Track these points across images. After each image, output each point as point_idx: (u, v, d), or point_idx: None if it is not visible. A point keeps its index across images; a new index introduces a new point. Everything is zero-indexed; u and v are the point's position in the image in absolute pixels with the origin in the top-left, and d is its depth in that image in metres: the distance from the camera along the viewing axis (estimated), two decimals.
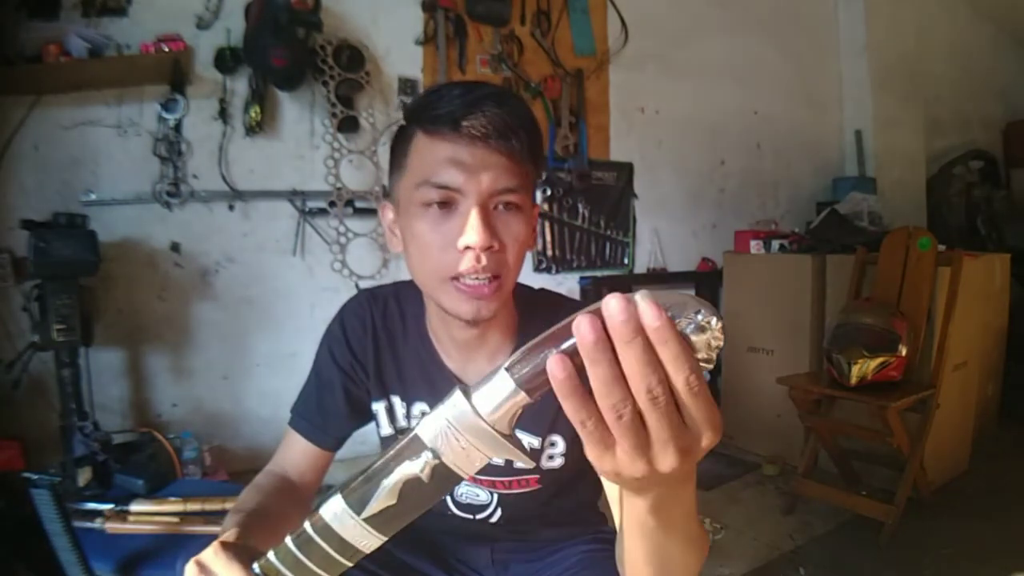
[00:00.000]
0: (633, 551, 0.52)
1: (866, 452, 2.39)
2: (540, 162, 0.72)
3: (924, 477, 2.21)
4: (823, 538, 2.12)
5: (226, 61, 2.24)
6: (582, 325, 0.34)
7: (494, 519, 0.85)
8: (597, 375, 0.34)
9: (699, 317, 0.35)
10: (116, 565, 1.18)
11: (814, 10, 3.88)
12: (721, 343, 0.35)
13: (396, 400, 0.84)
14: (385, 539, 0.44)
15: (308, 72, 2.34)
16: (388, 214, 0.76)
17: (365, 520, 0.42)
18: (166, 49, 2.08)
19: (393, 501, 0.42)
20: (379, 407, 0.84)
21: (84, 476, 1.62)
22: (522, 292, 0.82)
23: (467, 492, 0.84)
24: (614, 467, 0.37)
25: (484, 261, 0.65)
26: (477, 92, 0.66)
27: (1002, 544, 1.99)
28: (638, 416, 0.35)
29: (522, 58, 2.85)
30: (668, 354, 0.34)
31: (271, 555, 0.47)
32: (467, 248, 0.65)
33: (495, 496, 0.84)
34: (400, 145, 0.71)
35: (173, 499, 1.36)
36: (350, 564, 0.45)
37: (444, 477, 0.40)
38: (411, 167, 0.69)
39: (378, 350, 0.83)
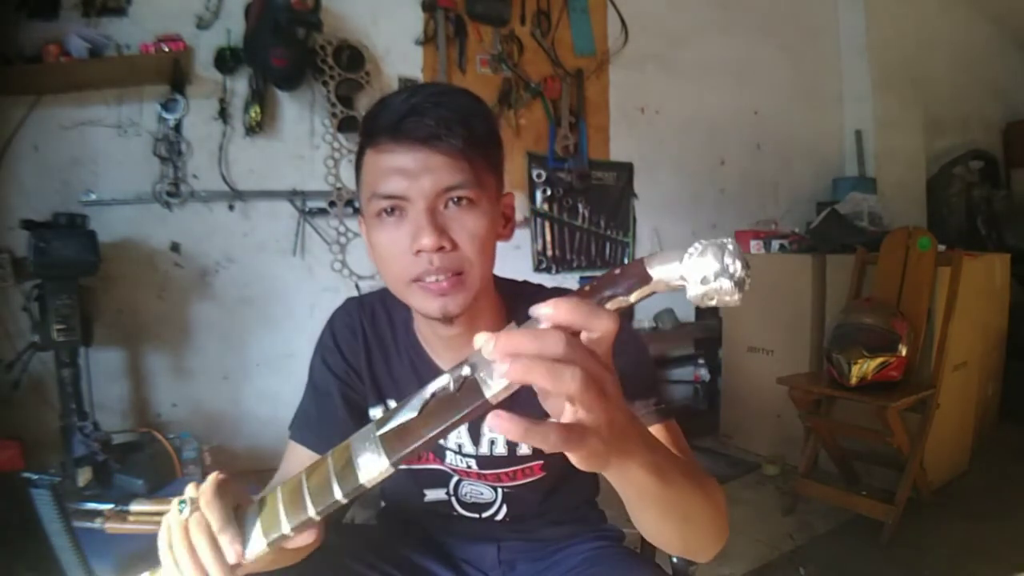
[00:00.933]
0: (650, 519, 0.57)
1: (866, 452, 2.39)
2: (492, 152, 0.72)
3: (924, 477, 2.21)
4: (823, 538, 2.12)
5: (226, 61, 2.24)
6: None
7: (499, 516, 0.86)
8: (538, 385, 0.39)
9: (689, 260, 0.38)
10: (116, 565, 1.18)
11: (814, 10, 3.88)
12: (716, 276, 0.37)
13: (392, 404, 0.84)
14: (389, 465, 0.43)
15: (308, 72, 2.34)
16: (363, 228, 0.77)
17: (381, 436, 0.43)
18: (166, 49, 2.08)
19: (413, 414, 0.42)
20: (376, 412, 0.84)
21: (84, 476, 1.62)
22: (506, 285, 0.83)
23: (471, 491, 0.84)
24: (598, 432, 0.41)
25: (437, 262, 0.67)
26: (414, 98, 0.66)
27: (1002, 544, 1.99)
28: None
29: (522, 58, 2.85)
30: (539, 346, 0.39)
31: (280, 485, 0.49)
32: (419, 251, 0.66)
33: (499, 492, 0.84)
34: (358, 162, 0.73)
35: (173, 499, 1.36)
36: (343, 498, 0.45)
37: (468, 393, 0.40)
38: (364, 182, 0.71)
39: (370, 356, 0.83)
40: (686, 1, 3.36)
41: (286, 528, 0.47)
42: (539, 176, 2.93)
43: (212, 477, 0.55)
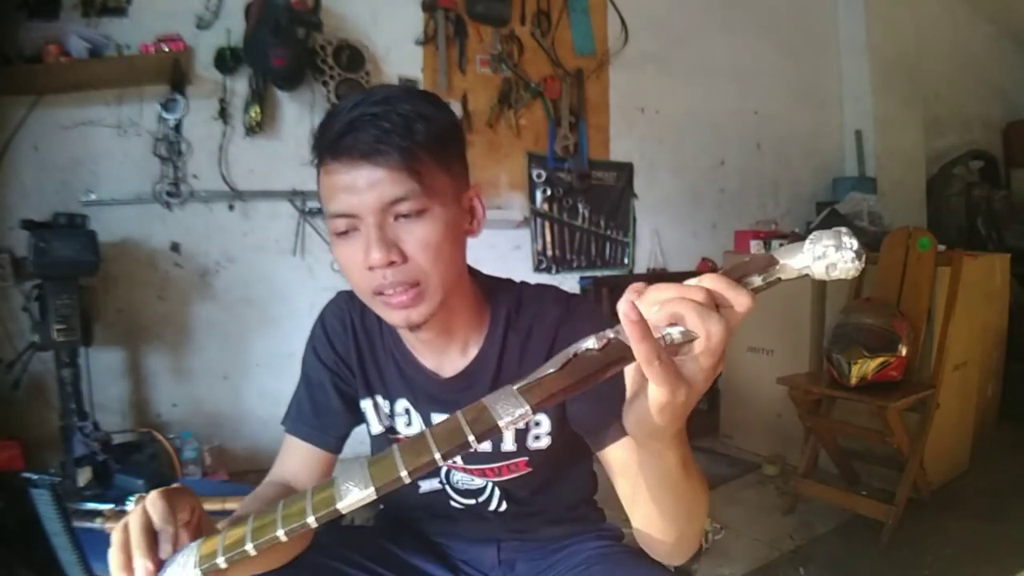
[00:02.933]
0: (662, 510, 0.60)
1: (866, 452, 2.39)
2: (443, 151, 0.69)
3: (924, 477, 2.21)
4: (823, 538, 2.12)
5: (226, 61, 2.24)
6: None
7: (493, 505, 0.85)
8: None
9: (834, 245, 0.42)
10: None
11: (814, 10, 3.88)
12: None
13: (379, 398, 0.85)
14: (528, 409, 0.43)
15: (308, 72, 2.34)
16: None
17: (519, 389, 0.44)
18: (166, 49, 2.08)
19: (553, 369, 0.44)
20: (367, 405, 0.85)
21: (84, 476, 1.62)
22: (488, 280, 0.83)
23: (462, 478, 0.84)
24: (690, 377, 0.44)
25: (391, 276, 0.67)
26: (355, 111, 0.66)
27: (1002, 544, 1.99)
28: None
29: (522, 58, 2.85)
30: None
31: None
32: (371, 267, 0.67)
33: (489, 483, 0.84)
34: (317, 178, 0.73)
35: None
36: (475, 441, 0.43)
37: (613, 349, 0.43)
38: (322, 200, 0.71)
39: (359, 349, 0.84)
40: (686, 1, 3.36)
41: (403, 472, 0.45)
42: (539, 176, 2.93)
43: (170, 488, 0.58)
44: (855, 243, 0.42)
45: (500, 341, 0.79)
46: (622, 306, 0.41)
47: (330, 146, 0.66)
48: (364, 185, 0.65)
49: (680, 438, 0.52)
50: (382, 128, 0.64)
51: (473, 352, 0.80)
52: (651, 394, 0.45)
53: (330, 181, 0.67)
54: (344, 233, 0.68)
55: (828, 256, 0.42)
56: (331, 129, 0.66)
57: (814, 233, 0.43)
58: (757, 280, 0.44)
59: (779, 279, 0.44)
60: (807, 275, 0.43)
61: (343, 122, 0.65)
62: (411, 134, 0.65)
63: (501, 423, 0.43)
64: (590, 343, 0.44)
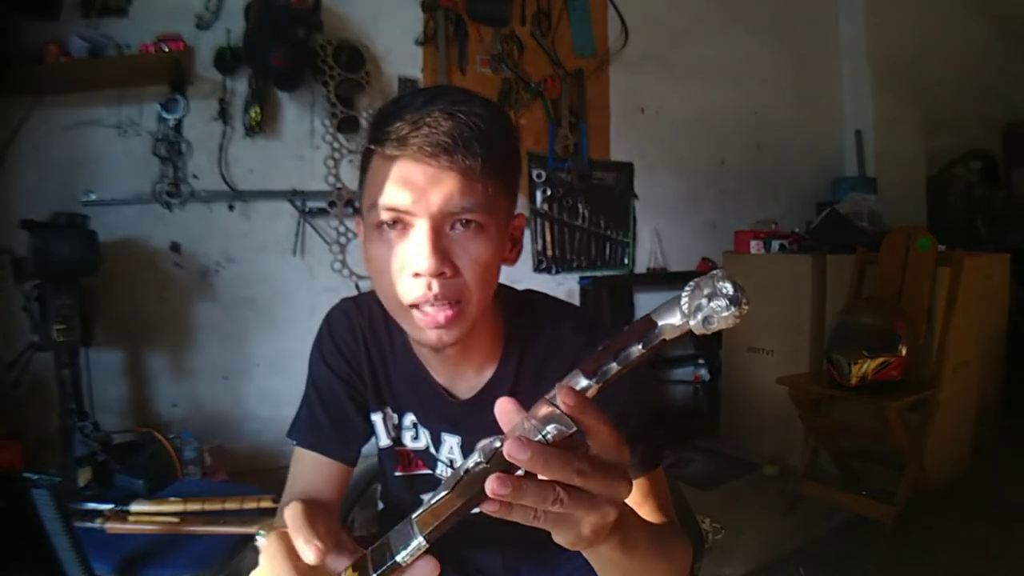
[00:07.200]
0: None
1: (866, 452, 2.39)
2: (510, 174, 0.67)
3: (924, 477, 2.21)
4: (823, 538, 2.12)
5: (226, 61, 2.24)
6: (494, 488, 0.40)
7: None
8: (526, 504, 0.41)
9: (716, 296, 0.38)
10: (116, 565, 1.18)
11: (814, 10, 3.88)
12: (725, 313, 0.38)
13: (389, 411, 0.83)
14: (423, 541, 0.46)
15: (308, 72, 2.34)
16: (359, 230, 0.72)
17: (415, 518, 0.46)
18: (166, 49, 2.08)
19: (446, 492, 0.45)
20: (377, 418, 0.83)
21: (84, 476, 1.62)
22: (507, 296, 0.79)
23: None
24: (591, 528, 0.44)
25: (436, 288, 0.62)
26: (429, 106, 0.61)
27: (1002, 544, 1.99)
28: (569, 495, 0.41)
29: (522, 58, 2.85)
30: (548, 473, 0.40)
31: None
32: (417, 274, 0.62)
33: None
34: (363, 164, 0.68)
35: (173, 499, 1.36)
36: None
37: (499, 463, 0.43)
38: (367, 187, 0.66)
39: (370, 359, 0.81)
40: (686, 1, 3.36)
41: None
42: (539, 176, 2.93)
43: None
44: (729, 287, 0.38)
45: (515, 365, 0.76)
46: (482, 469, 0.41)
47: (402, 135, 0.60)
48: (429, 184, 0.60)
49: (614, 535, 0.48)
50: (462, 130, 0.60)
51: (488, 373, 0.77)
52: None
53: (389, 170, 0.62)
54: (386, 228, 0.63)
55: (703, 309, 0.38)
56: (403, 117, 0.61)
57: (691, 282, 0.39)
58: (637, 348, 0.41)
59: (663, 340, 0.41)
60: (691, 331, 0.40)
61: (420, 113, 0.60)
62: (491, 147, 0.61)
63: (399, 558, 0.45)
64: (477, 457, 0.42)
